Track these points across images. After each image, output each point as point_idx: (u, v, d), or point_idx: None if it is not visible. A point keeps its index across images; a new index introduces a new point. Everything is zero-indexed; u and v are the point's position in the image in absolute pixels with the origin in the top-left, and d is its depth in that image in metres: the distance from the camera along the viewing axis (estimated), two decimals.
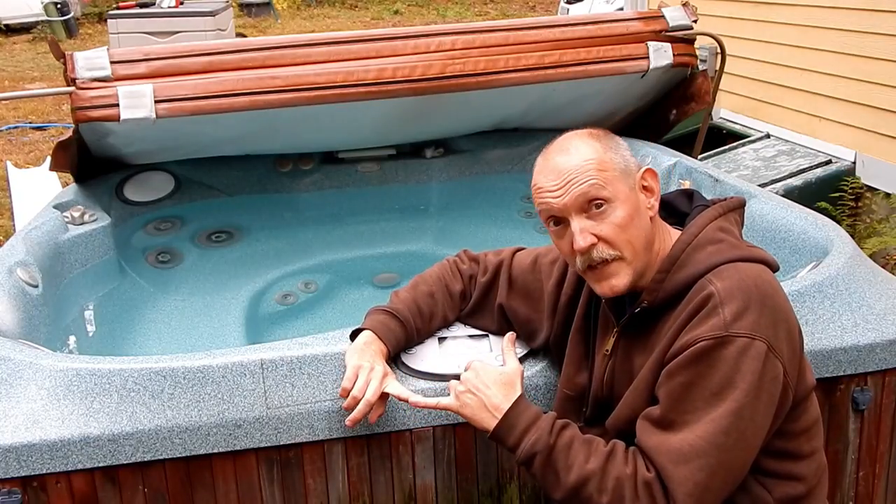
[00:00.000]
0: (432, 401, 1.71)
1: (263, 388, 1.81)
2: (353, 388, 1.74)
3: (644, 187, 1.63)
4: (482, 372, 1.66)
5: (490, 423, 1.62)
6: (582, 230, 1.57)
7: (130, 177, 3.31)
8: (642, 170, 1.63)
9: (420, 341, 1.95)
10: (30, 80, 11.34)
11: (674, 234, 1.66)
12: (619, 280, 1.59)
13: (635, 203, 1.60)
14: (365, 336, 1.84)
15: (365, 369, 1.76)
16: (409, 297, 1.94)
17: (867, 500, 2.09)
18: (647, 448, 1.51)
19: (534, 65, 3.00)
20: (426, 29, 3.03)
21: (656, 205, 1.64)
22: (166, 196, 3.36)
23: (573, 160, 1.58)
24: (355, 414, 1.74)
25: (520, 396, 1.63)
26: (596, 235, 1.57)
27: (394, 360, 1.90)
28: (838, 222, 3.72)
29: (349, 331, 1.90)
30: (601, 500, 1.50)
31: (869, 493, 2.08)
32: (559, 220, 1.61)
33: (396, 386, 1.77)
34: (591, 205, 1.57)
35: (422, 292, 1.96)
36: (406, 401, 1.74)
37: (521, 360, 1.92)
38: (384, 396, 1.78)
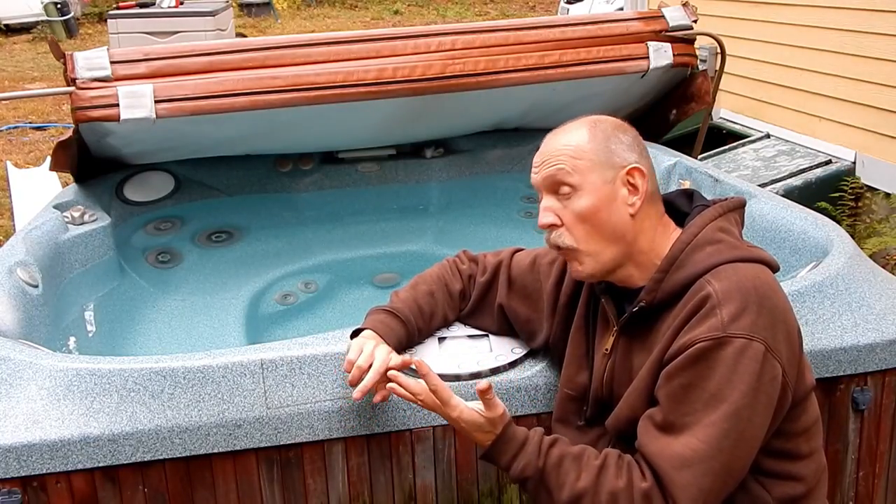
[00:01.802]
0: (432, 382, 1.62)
1: (263, 388, 1.81)
2: (357, 359, 1.74)
3: (629, 183, 1.62)
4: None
5: (484, 441, 1.62)
6: (546, 208, 1.63)
7: (130, 177, 3.31)
8: (628, 167, 1.62)
9: (420, 341, 1.95)
10: (30, 80, 11.34)
11: (675, 233, 1.66)
12: (581, 267, 1.64)
13: (607, 196, 1.60)
14: (365, 334, 1.84)
15: (369, 344, 1.78)
16: (409, 297, 1.94)
17: (867, 500, 2.09)
18: (649, 453, 1.50)
19: (534, 65, 3.00)
20: (426, 29, 3.03)
21: (639, 203, 1.61)
22: (166, 196, 3.36)
23: (556, 142, 1.65)
24: (365, 383, 1.72)
25: (508, 422, 1.61)
26: (560, 218, 1.62)
27: None
28: (838, 222, 3.73)
29: (349, 331, 1.90)
30: None
31: (869, 493, 2.08)
32: (539, 196, 1.67)
33: (399, 357, 1.78)
34: (559, 188, 1.62)
35: (422, 291, 1.96)
36: (409, 364, 1.72)
37: (521, 360, 1.93)
38: (386, 379, 1.77)
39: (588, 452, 1.57)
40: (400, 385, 1.66)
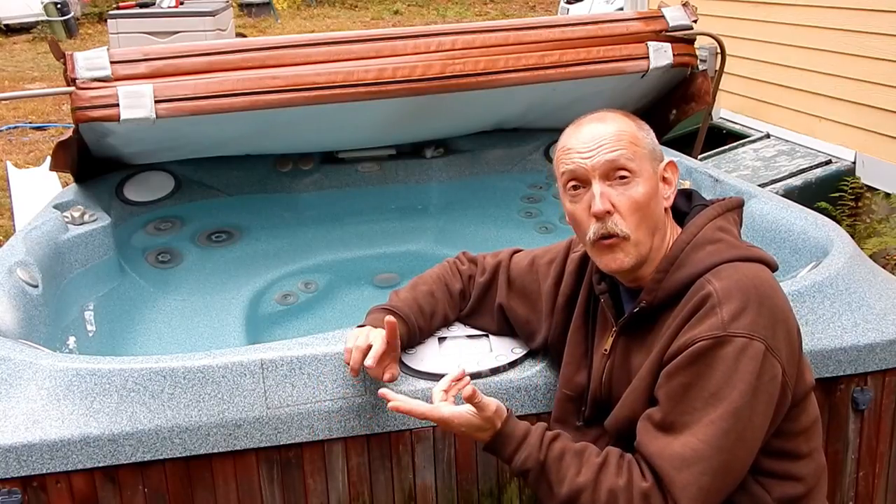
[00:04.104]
0: (421, 407, 1.63)
1: (263, 388, 1.81)
2: (353, 347, 1.77)
3: (664, 178, 1.64)
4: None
5: (484, 437, 1.62)
6: (602, 194, 1.57)
7: (130, 177, 3.32)
8: (666, 160, 1.65)
9: (422, 340, 1.95)
10: (30, 80, 11.34)
11: (677, 232, 1.67)
12: (624, 257, 1.59)
13: (655, 187, 1.61)
14: (366, 329, 1.84)
15: (365, 330, 1.80)
16: (409, 297, 1.94)
17: (867, 500, 2.09)
18: (649, 454, 1.50)
19: (534, 65, 3.00)
20: (426, 29, 3.03)
21: (672, 198, 1.65)
22: (166, 196, 3.36)
23: (609, 128, 1.60)
24: (352, 364, 1.77)
25: (507, 416, 1.62)
26: (613, 205, 1.57)
27: None
28: (838, 222, 3.72)
29: (349, 331, 1.90)
30: None
31: (869, 493, 2.08)
32: (579, 184, 1.61)
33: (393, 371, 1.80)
34: (616, 173, 1.58)
35: (422, 291, 1.96)
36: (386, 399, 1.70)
37: (521, 360, 1.93)
38: (391, 365, 1.80)
39: (590, 449, 1.57)
40: (395, 403, 1.63)
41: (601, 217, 1.57)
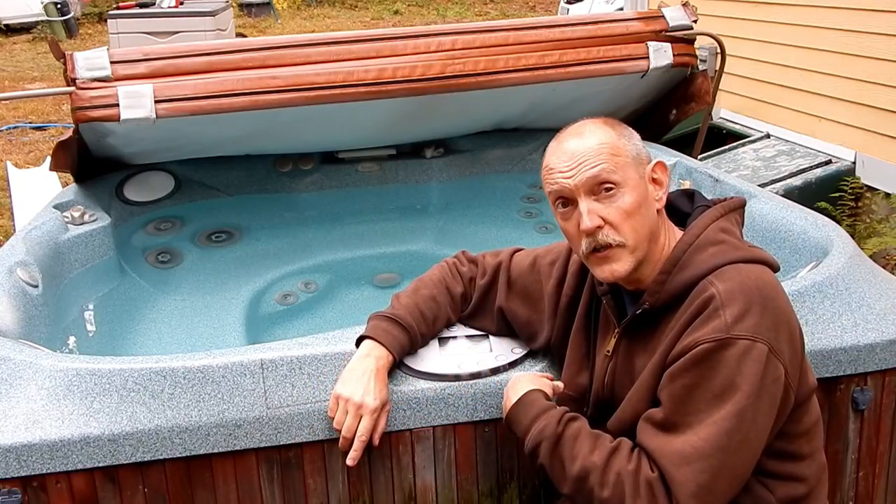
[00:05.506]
0: None
1: (263, 388, 1.81)
2: (342, 428, 1.77)
3: (653, 179, 1.64)
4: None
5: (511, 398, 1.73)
6: (589, 211, 1.58)
7: (130, 177, 3.32)
8: (653, 162, 1.65)
9: (423, 345, 1.94)
10: (30, 80, 11.34)
11: (677, 233, 1.67)
12: (620, 265, 1.60)
13: (644, 192, 1.61)
14: (366, 347, 1.83)
15: (343, 400, 1.77)
16: (410, 302, 1.93)
17: (867, 500, 2.09)
18: (650, 450, 1.51)
19: (534, 65, 3.00)
20: (426, 29, 3.03)
21: (664, 198, 1.65)
22: (166, 196, 3.36)
23: (587, 143, 1.61)
24: (352, 453, 1.77)
25: (534, 389, 1.71)
26: (603, 218, 1.58)
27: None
28: (838, 222, 3.72)
29: (349, 331, 1.90)
30: (602, 494, 1.51)
31: (869, 493, 2.08)
32: (567, 202, 1.62)
33: (382, 422, 1.80)
34: (601, 188, 1.58)
35: (423, 296, 1.95)
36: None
37: (521, 360, 1.93)
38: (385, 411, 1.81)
39: (605, 435, 1.60)
40: None
41: (591, 233, 1.59)
